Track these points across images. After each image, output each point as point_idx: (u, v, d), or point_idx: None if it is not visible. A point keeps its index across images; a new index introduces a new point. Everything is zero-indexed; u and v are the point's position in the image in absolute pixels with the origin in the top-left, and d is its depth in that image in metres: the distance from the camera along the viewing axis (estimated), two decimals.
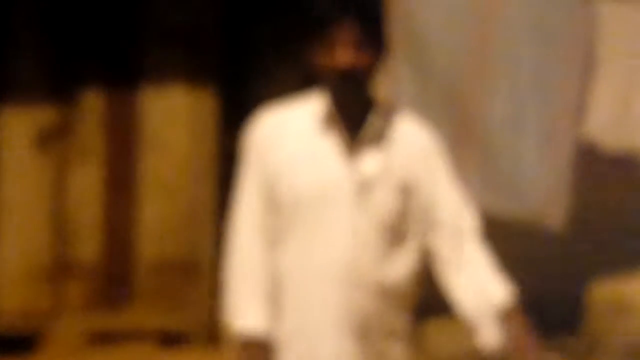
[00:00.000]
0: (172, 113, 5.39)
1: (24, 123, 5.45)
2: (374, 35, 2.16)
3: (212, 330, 5.12)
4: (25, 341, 5.21)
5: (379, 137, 2.20)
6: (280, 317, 2.21)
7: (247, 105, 2.24)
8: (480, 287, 2.25)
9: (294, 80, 5.12)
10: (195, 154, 5.32)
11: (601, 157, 4.75)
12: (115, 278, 5.42)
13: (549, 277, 5.07)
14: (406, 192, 2.21)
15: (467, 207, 2.30)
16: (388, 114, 2.24)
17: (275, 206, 2.20)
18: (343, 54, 2.12)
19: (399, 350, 2.24)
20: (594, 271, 5.04)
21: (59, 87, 5.43)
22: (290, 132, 2.20)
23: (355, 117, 2.18)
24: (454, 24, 4.64)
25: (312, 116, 2.20)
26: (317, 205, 2.16)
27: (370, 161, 2.19)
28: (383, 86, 4.75)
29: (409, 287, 2.24)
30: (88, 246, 5.43)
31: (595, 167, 4.80)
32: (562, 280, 5.05)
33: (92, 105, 5.44)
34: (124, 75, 5.42)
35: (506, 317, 2.22)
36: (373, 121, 2.19)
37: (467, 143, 4.71)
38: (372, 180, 2.18)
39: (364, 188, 2.17)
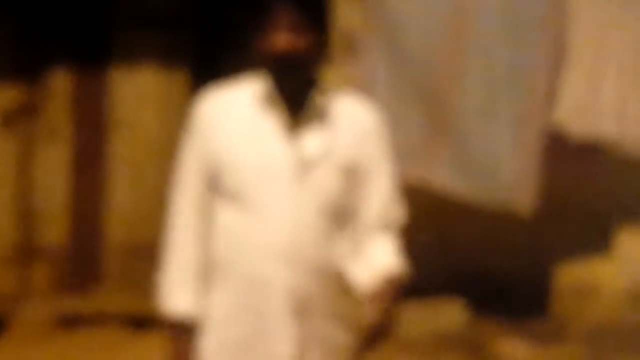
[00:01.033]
0: (142, 94, 5.34)
1: None
2: (313, 19, 2.17)
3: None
4: None
5: (320, 117, 2.21)
6: (219, 295, 2.21)
7: (219, 85, 2.25)
8: (370, 265, 2.24)
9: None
10: (165, 136, 5.28)
11: (569, 143, 4.80)
12: (82, 261, 5.37)
13: (516, 261, 5.13)
14: (348, 172, 2.22)
15: (395, 200, 2.29)
16: (332, 95, 2.24)
17: (216, 184, 2.20)
18: (281, 37, 2.14)
19: (342, 333, 2.24)
20: (560, 255, 5.10)
21: (26, 66, 5.35)
22: (231, 112, 2.22)
23: (296, 98, 2.20)
24: (428, 13, 4.65)
25: (253, 96, 2.21)
26: (258, 183, 2.18)
27: (312, 141, 2.20)
28: (356, 72, 4.76)
29: (346, 265, 2.24)
30: (55, 229, 5.37)
31: (563, 153, 4.85)
32: (529, 264, 5.10)
33: (60, 85, 5.36)
34: (93, 54, 5.35)
35: (382, 283, 2.19)
36: (314, 101, 2.20)
37: (440, 129, 4.73)
38: (314, 159, 2.19)
39: (306, 167, 2.18)
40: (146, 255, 5.43)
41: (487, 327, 5.00)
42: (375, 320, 2.12)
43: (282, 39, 2.14)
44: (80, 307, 5.22)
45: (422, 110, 4.72)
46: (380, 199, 2.26)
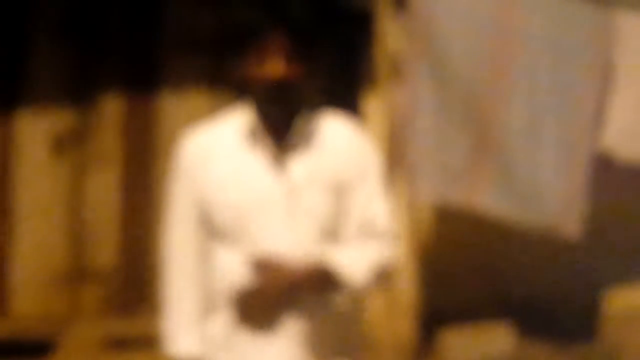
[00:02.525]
0: (192, 119, 5.37)
1: (41, 127, 5.46)
2: (304, 47, 2.16)
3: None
4: (40, 346, 5.21)
5: (306, 142, 2.21)
6: (222, 320, 2.22)
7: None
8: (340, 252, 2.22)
9: (313, 83, 5.13)
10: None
11: (618, 167, 4.76)
12: (132, 283, 5.43)
13: (565, 286, 5.08)
14: (338, 193, 2.21)
15: (383, 208, 2.27)
16: (318, 119, 2.24)
17: (209, 223, 2.20)
18: (274, 65, 2.13)
19: (345, 342, 2.24)
20: (610, 280, 5.04)
21: (77, 92, 5.44)
22: (217, 151, 2.21)
23: (282, 126, 2.19)
24: (473, 34, 4.66)
25: (238, 131, 2.21)
26: (252, 219, 2.17)
27: (298, 166, 2.20)
28: (402, 96, 4.78)
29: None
30: (104, 251, 5.44)
31: (611, 177, 4.81)
32: (578, 289, 5.05)
33: (111, 110, 5.45)
34: (143, 79, 5.43)
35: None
36: (299, 127, 2.20)
37: (486, 152, 4.72)
38: (301, 184, 2.19)
39: (294, 193, 2.18)
40: None
41: (535, 352, 4.96)
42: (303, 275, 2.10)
43: (276, 66, 2.13)
44: (129, 329, 5.27)
45: (467, 134, 4.72)
46: (372, 215, 2.24)
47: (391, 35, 4.84)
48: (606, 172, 4.74)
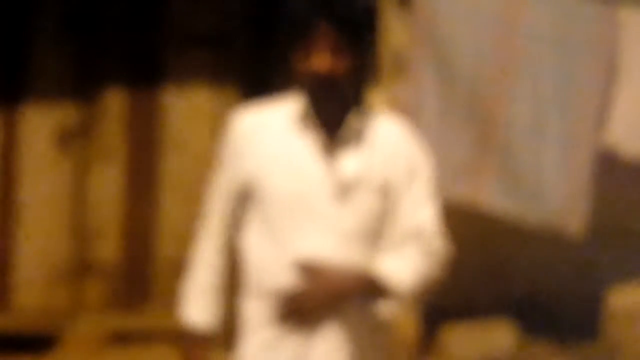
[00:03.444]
0: (195, 113, 5.40)
1: (45, 122, 5.47)
2: (352, 41, 2.14)
3: (230, 331, 5.13)
4: (43, 341, 5.22)
5: (357, 139, 2.19)
6: (255, 308, 2.20)
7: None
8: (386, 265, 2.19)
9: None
10: (217, 155, 5.33)
11: (621, 165, 4.76)
12: (134, 278, 5.43)
13: (567, 284, 5.07)
14: (385, 194, 2.20)
15: (431, 213, 2.24)
16: (370, 116, 2.23)
17: (253, 204, 2.19)
18: (319, 59, 2.12)
19: (381, 350, 2.23)
20: (613, 277, 5.04)
21: (81, 87, 5.44)
22: (267, 132, 2.20)
23: (333, 119, 2.18)
24: (477, 32, 4.66)
25: (290, 116, 2.19)
26: (296, 204, 2.16)
27: (350, 162, 2.18)
28: (406, 93, 4.78)
29: None
30: (107, 246, 5.45)
31: (615, 174, 4.81)
32: (581, 287, 5.05)
33: (114, 104, 5.45)
34: (146, 74, 5.43)
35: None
36: (351, 123, 2.19)
37: (489, 149, 4.72)
38: (352, 181, 2.17)
39: (344, 189, 2.16)
40: None
41: (537, 350, 4.95)
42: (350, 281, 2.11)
43: (322, 60, 2.12)
44: (132, 324, 5.28)
45: (470, 131, 4.72)
46: (421, 218, 2.21)
47: (395, 32, 4.84)
48: (609, 169, 4.74)
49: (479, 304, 4.99)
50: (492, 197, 4.74)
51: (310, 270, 2.13)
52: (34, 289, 5.45)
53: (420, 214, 2.22)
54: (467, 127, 4.72)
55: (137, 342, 5.17)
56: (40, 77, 5.46)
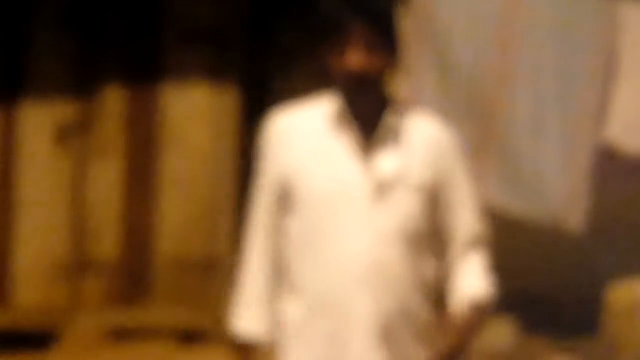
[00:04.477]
0: (193, 110, 5.39)
1: (43, 118, 5.46)
2: (385, 37, 2.13)
3: (230, 328, 5.12)
4: (43, 338, 5.22)
5: (394, 137, 2.17)
6: (292, 309, 2.20)
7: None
8: (457, 290, 2.21)
9: (316, 78, 5.12)
10: (215, 151, 5.33)
11: (621, 161, 4.75)
12: (133, 275, 5.43)
13: (568, 280, 5.07)
14: (425, 193, 2.17)
15: (477, 217, 2.24)
16: (405, 113, 2.21)
17: (293, 208, 2.18)
18: (354, 57, 2.11)
19: (423, 353, 2.19)
20: (612, 274, 5.03)
21: (80, 83, 5.44)
22: (303, 132, 2.19)
23: (368, 117, 2.16)
24: (476, 28, 4.65)
25: (325, 116, 2.18)
26: (332, 204, 2.15)
27: (387, 161, 2.16)
28: (405, 88, 4.77)
29: (433, 287, 2.20)
30: (107, 243, 5.44)
31: (615, 170, 4.80)
32: (581, 282, 5.04)
33: (113, 101, 5.45)
34: (145, 71, 5.42)
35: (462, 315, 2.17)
36: (387, 121, 2.17)
37: (489, 145, 4.71)
38: (390, 181, 2.16)
39: (382, 189, 2.15)
40: (196, 268, 5.48)
41: (537, 346, 4.95)
42: (448, 348, 2.12)
43: (356, 58, 2.11)
44: (131, 320, 5.28)
45: (470, 126, 4.71)
46: (464, 218, 2.21)
47: None
48: (609, 164, 4.73)
49: None
50: (492, 193, 4.73)
51: None
52: (33, 286, 5.44)
53: (468, 218, 2.21)
54: (467, 123, 4.71)
55: (135, 338, 5.17)
56: (39, 75, 5.45)
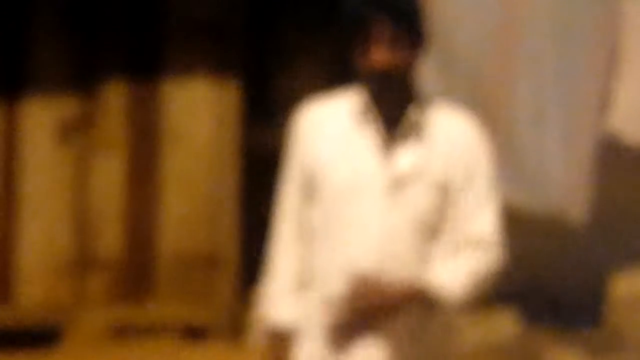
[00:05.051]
0: (195, 105, 5.39)
1: (45, 115, 5.46)
2: (409, 32, 2.15)
3: (234, 324, 5.13)
4: (47, 334, 5.23)
5: (417, 132, 2.18)
6: (312, 307, 2.22)
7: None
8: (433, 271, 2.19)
9: (318, 73, 5.12)
10: (218, 147, 5.33)
11: (624, 152, 4.75)
12: (137, 271, 5.44)
13: (570, 271, 5.07)
14: (442, 189, 2.18)
15: (495, 221, 2.23)
16: (432, 108, 2.22)
17: (315, 199, 2.21)
18: (378, 53, 2.12)
19: (433, 350, 2.21)
20: (615, 265, 5.04)
21: (81, 79, 5.44)
22: (328, 125, 2.22)
23: (393, 112, 2.17)
24: (477, 18, 4.64)
25: (350, 110, 2.21)
26: (351, 199, 2.16)
27: (406, 157, 2.17)
28: None
29: None
30: (110, 239, 5.45)
31: (618, 162, 4.80)
32: (583, 274, 5.05)
33: (114, 97, 5.45)
34: (146, 67, 5.42)
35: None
36: (411, 116, 2.18)
37: (490, 137, 4.70)
38: (407, 176, 2.16)
39: (398, 184, 2.16)
40: (200, 265, 5.49)
41: (540, 337, 4.96)
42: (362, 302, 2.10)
43: (380, 54, 2.12)
44: (136, 317, 5.28)
45: None
46: (480, 220, 2.19)
47: None
48: (612, 156, 4.73)
49: None
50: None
51: (362, 281, 2.11)
52: (36, 284, 5.45)
53: (482, 219, 2.19)
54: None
55: (140, 335, 5.17)
56: (40, 70, 5.45)
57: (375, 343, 2.14)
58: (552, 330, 4.96)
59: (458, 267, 2.18)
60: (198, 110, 5.39)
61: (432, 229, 2.17)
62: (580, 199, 4.65)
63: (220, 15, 5.34)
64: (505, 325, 5.01)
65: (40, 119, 5.45)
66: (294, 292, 2.24)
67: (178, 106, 5.40)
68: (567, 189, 4.68)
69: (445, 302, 2.15)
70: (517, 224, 4.92)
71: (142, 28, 5.42)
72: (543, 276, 5.13)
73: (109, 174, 5.45)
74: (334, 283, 2.16)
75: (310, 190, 2.21)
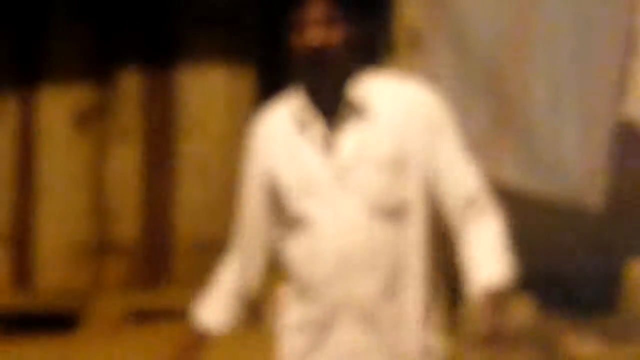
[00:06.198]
0: (210, 93, 5.41)
1: (62, 104, 5.50)
2: (347, 10, 2.07)
3: (250, 309, 5.16)
4: (65, 320, 5.27)
5: (359, 114, 2.09)
6: (291, 301, 2.21)
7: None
8: (476, 268, 2.13)
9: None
10: (232, 134, 5.34)
11: None
12: (154, 257, 5.47)
13: (586, 258, 5.06)
14: (399, 164, 2.09)
15: (471, 172, 2.14)
16: (373, 84, 2.12)
17: (277, 205, 2.18)
18: (313, 32, 2.03)
19: (412, 337, 2.14)
20: (632, 250, 5.01)
21: (97, 68, 5.47)
22: (276, 133, 2.17)
23: (331, 101, 2.09)
24: (492, 5, 4.61)
25: (291, 113, 2.13)
26: (304, 201, 2.12)
27: (347, 144, 2.10)
28: (421, 69, 4.75)
29: (418, 263, 2.12)
30: (127, 225, 5.48)
31: (634, 148, 4.76)
32: (599, 260, 5.03)
33: (130, 85, 5.47)
34: (162, 55, 5.44)
35: (487, 297, 2.10)
36: (349, 98, 2.09)
37: (507, 123, 4.69)
38: (349, 162, 2.10)
39: (342, 172, 2.10)
40: (215, 251, 5.51)
41: (556, 324, 4.95)
42: (487, 331, 2.09)
43: (315, 33, 2.03)
44: (152, 302, 5.32)
45: (487, 105, 4.69)
46: (458, 177, 2.11)
47: (410, 6, 4.81)
48: (628, 141, 4.70)
49: None
50: (510, 172, 4.71)
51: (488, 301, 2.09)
52: (55, 269, 5.50)
53: (468, 179, 2.12)
54: (484, 103, 4.69)
55: (157, 319, 5.21)
56: (57, 60, 5.48)
57: (357, 331, 2.11)
58: (568, 317, 4.95)
59: (487, 247, 2.13)
60: (213, 99, 5.41)
61: (393, 210, 2.08)
62: (597, 185, 4.62)
63: (236, 5, 5.35)
64: (521, 312, 5.01)
65: (58, 108, 5.49)
66: (229, 300, 2.27)
67: (193, 95, 5.42)
68: (584, 175, 4.66)
69: (507, 286, 2.13)
70: (533, 210, 4.92)
71: (158, 17, 5.43)
72: (559, 263, 5.12)
73: (126, 161, 5.49)
74: (306, 280, 2.14)
75: (275, 197, 2.16)
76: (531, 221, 5.11)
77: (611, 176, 4.58)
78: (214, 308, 2.31)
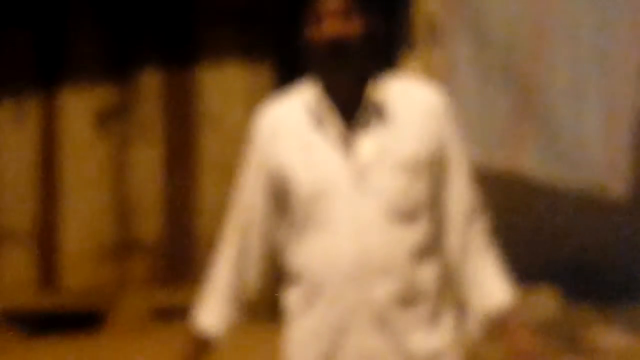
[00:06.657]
0: (229, 90, 5.42)
1: (83, 103, 5.53)
2: (366, 2, 2.02)
3: (272, 306, 5.16)
4: (89, 318, 5.30)
5: (378, 114, 2.06)
6: (299, 309, 2.15)
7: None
8: (482, 290, 2.14)
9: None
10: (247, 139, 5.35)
11: None
12: (177, 254, 5.49)
13: (611, 248, 5.02)
14: (413, 166, 2.07)
15: (470, 184, 2.14)
16: (392, 84, 2.09)
17: (287, 202, 2.12)
18: (330, 24, 1.99)
19: (425, 341, 2.11)
20: None
21: (117, 67, 5.49)
22: (287, 126, 2.10)
23: (349, 97, 2.05)
24: None
25: (306, 107, 2.07)
26: (319, 201, 2.07)
27: (366, 145, 2.06)
28: (440, 59, 4.73)
29: (430, 266, 2.10)
30: (149, 223, 5.50)
31: None
32: (624, 250, 4.99)
33: (150, 83, 5.49)
34: (180, 53, 5.45)
35: (504, 321, 2.13)
36: (369, 98, 2.05)
37: (527, 114, 4.66)
38: (369, 164, 2.05)
39: (361, 174, 2.05)
40: None
41: (581, 315, 4.91)
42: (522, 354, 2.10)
43: (333, 25, 1.99)
44: (176, 300, 5.34)
45: (507, 95, 4.67)
46: (459, 187, 2.12)
47: None
48: None
49: (522, 270, 4.95)
50: (533, 162, 4.68)
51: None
52: (79, 268, 5.53)
53: (465, 192, 2.12)
54: (505, 93, 4.67)
55: (181, 317, 5.22)
56: (77, 59, 5.51)
57: (374, 335, 2.07)
58: (593, 308, 4.92)
59: (488, 268, 2.13)
60: (232, 95, 5.41)
61: (409, 213, 2.06)
62: (620, 174, 4.59)
63: (253, 1, 5.35)
64: (546, 303, 4.98)
65: (79, 109, 5.52)
66: (227, 302, 2.21)
67: (212, 91, 5.43)
68: (607, 164, 4.62)
69: (513, 304, 2.15)
70: (557, 200, 4.89)
71: (176, 15, 5.45)
72: (584, 253, 5.08)
73: (147, 159, 5.51)
74: (317, 283, 2.08)
75: (282, 196, 2.10)
76: (556, 212, 5.09)
77: (634, 165, 4.54)
78: (212, 312, 2.24)
